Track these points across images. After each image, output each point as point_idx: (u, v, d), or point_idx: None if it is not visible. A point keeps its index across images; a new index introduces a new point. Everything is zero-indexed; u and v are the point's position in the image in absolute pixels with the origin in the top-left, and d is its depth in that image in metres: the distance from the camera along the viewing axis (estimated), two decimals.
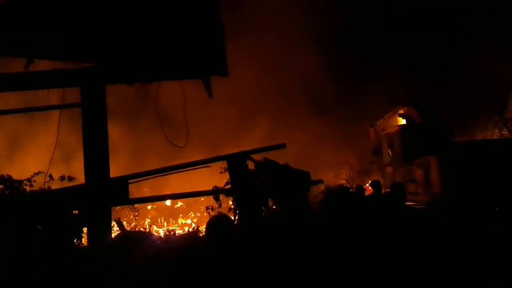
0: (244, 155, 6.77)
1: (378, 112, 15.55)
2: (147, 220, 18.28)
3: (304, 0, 23.92)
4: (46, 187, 5.74)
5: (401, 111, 12.77)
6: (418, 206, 9.07)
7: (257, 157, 7.15)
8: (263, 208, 7.27)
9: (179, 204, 19.77)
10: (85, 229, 5.62)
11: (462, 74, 20.04)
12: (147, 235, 6.26)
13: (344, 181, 20.92)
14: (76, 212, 5.72)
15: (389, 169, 13.25)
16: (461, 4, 22.05)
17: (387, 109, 14.14)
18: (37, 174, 5.76)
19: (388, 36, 23.07)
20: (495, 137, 16.62)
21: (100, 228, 5.41)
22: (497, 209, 6.61)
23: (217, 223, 4.01)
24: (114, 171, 6.01)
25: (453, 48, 21.19)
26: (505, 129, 16.83)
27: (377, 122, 14.92)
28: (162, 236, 7.24)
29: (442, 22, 22.28)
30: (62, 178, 5.82)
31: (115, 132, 19.00)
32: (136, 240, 4.44)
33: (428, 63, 21.53)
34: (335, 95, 24.17)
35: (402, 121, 12.70)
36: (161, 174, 6.98)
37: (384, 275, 4.37)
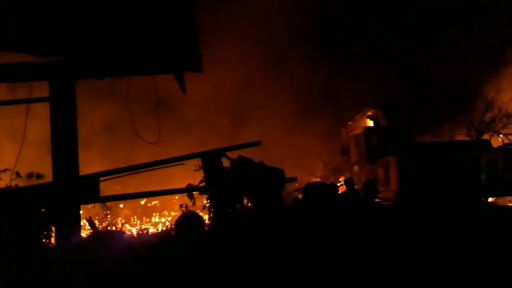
0: (219, 153, 6.71)
1: (354, 113, 15.85)
2: (120, 219, 17.91)
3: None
4: (13, 185, 5.54)
5: (369, 113, 13.26)
6: (383, 203, 9.40)
7: (233, 155, 7.11)
8: (238, 206, 7.24)
9: (154, 202, 19.47)
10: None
11: (436, 77, 20.59)
12: (118, 234, 6.12)
13: (318, 179, 21.10)
14: (44, 210, 5.54)
15: (356, 167, 13.96)
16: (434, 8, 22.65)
17: (359, 111, 14.52)
18: (3, 171, 5.56)
19: (368, 37, 23.34)
20: (463, 138, 17.28)
21: (69, 227, 5.25)
22: (449, 203, 6.88)
23: (185, 221, 3.94)
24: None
25: (429, 51, 21.69)
26: (473, 130, 17.41)
27: (349, 123, 15.36)
28: (134, 235, 7.13)
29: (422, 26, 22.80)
30: (29, 175, 5.63)
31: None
32: (107, 239, 4.32)
33: (405, 66, 21.94)
34: (311, 94, 24.29)
35: (370, 123, 13.16)
36: (133, 172, 6.84)
37: (360, 270, 4.41)
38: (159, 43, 3.98)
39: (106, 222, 15.58)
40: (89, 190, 5.80)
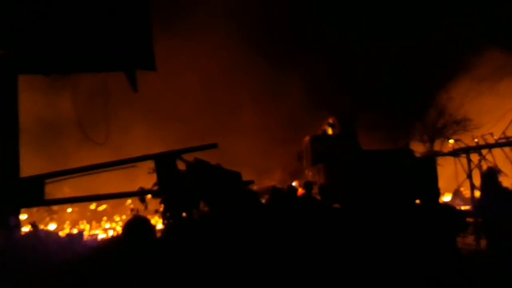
0: (173, 155, 6.55)
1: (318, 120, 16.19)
2: (67, 224, 17.14)
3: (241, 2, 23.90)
4: None
5: (330, 121, 13.74)
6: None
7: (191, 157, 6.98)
8: (194, 210, 7.10)
9: (104, 206, 18.81)
10: None
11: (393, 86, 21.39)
12: (53, 238, 5.81)
13: (276, 182, 21.25)
14: None
15: (307, 172, 14.66)
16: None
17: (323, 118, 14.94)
18: None
19: (331, 40, 23.79)
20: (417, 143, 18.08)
21: (8, 231, 4.91)
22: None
23: (131, 225, 3.80)
24: None
25: (388, 61, 22.45)
26: (425, 136, 18.24)
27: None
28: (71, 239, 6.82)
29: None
30: None
31: None
32: (41, 243, 4.09)
33: (365, 77, 22.58)
34: (272, 99, 24.44)
35: (330, 130, 13.65)
36: (82, 173, 6.54)
37: (321, 270, 4.45)
38: (109, 40, 3.79)
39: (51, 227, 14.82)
40: (32, 192, 5.47)
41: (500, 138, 15.40)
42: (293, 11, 24.27)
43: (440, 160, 17.58)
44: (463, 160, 17.24)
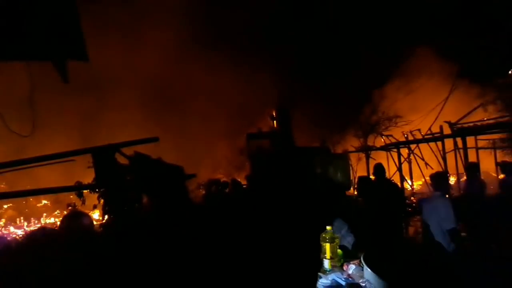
0: (112, 148, 6.31)
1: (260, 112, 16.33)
2: (2, 221, 16.04)
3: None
4: None
5: (272, 113, 14.02)
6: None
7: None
8: (136, 204, 6.92)
9: (44, 202, 17.81)
10: None
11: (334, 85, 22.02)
12: None
13: (221, 176, 21.21)
14: None
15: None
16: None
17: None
18: None
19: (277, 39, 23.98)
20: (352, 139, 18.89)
21: None
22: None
23: (67, 220, 3.64)
24: None
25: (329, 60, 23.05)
26: (360, 131, 19.00)
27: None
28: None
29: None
30: None
31: None
32: None
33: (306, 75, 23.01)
34: (218, 93, 24.27)
35: (272, 122, 13.94)
36: (15, 168, 6.12)
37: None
38: (32, 28, 3.48)
39: None
40: None
41: (427, 134, 16.33)
42: (240, 6, 24.23)
43: (373, 154, 18.45)
44: (394, 154, 18.22)
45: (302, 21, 24.65)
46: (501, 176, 6.75)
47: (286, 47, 23.90)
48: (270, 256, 4.44)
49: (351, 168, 18.39)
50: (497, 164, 7.32)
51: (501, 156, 15.22)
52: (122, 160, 6.63)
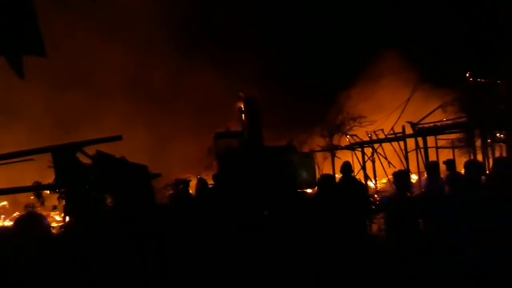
0: (73, 147, 6.02)
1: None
2: None
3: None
4: None
5: (240, 104, 13.84)
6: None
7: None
8: (99, 204, 6.64)
9: (3, 203, 16.96)
10: None
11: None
12: None
13: (190, 175, 20.91)
14: None
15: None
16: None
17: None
18: None
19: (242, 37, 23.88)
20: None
21: None
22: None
23: (22, 222, 3.42)
24: None
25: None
26: (325, 131, 19.25)
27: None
28: None
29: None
30: None
31: None
32: None
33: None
34: (186, 91, 23.90)
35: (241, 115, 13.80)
36: None
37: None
38: None
39: None
40: None
41: (389, 134, 16.76)
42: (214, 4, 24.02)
43: (339, 153, 18.74)
44: (359, 153, 18.59)
45: (272, 22, 24.74)
46: (447, 172, 7.00)
47: (255, 47, 23.92)
48: (234, 256, 4.36)
49: (316, 167, 18.61)
50: (443, 162, 7.68)
51: (458, 155, 15.79)
52: (85, 160, 6.35)
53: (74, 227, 6.25)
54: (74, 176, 6.23)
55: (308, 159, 12.21)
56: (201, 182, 7.77)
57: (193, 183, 8.64)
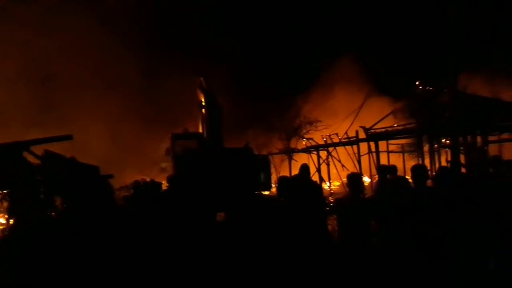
0: (20, 147, 5.66)
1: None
2: None
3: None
4: None
5: (201, 96, 13.57)
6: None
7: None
8: (47, 205, 6.28)
9: None
10: None
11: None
12: None
13: (147, 177, 20.36)
14: None
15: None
16: None
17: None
18: None
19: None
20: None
21: None
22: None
23: None
24: None
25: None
26: (283, 134, 19.49)
27: None
28: None
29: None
30: None
31: None
32: None
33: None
34: (144, 92, 23.22)
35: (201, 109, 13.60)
36: None
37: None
38: None
39: None
40: None
41: (343, 138, 17.20)
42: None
43: (295, 156, 19.00)
44: (314, 156, 18.93)
45: (233, 25, 24.67)
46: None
47: (212, 49, 23.74)
48: (188, 257, 4.26)
49: (274, 169, 18.71)
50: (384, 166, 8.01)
51: (408, 159, 16.46)
52: (33, 160, 6.00)
53: (18, 229, 5.89)
54: (19, 176, 5.87)
55: (264, 162, 12.22)
56: (153, 185, 7.55)
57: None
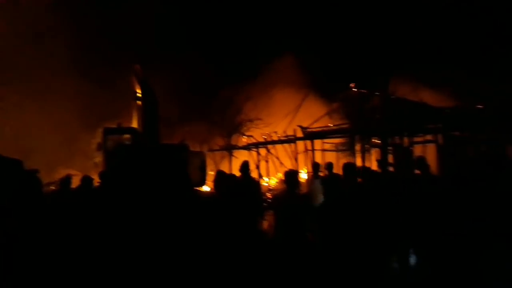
0: None
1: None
2: None
3: None
4: None
5: (137, 91, 13.03)
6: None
7: None
8: None
9: None
10: None
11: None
12: None
13: (76, 172, 19.22)
14: None
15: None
16: None
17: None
18: None
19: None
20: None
21: None
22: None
23: None
24: None
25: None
26: (224, 131, 19.40)
27: None
28: None
29: None
30: None
31: None
32: None
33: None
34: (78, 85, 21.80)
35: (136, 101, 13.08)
36: None
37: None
38: None
39: None
40: None
41: (282, 136, 17.55)
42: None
43: (236, 153, 19.02)
44: (254, 153, 19.06)
45: (173, 19, 24.01)
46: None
47: (152, 41, 22.96)
48: (119, 253, 4.05)
49: (214, 165, 18.60)
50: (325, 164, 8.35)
51: (341, 157, 17.13)
52: None
53: None
54: None
55: (200, 158, 12.03)
56: (85, 180, 7.13)
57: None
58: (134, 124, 13.34)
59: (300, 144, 16.87)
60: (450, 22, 19.03)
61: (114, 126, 13.77)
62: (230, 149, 19.21)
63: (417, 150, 13.29)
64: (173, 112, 19.62)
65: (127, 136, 12.60)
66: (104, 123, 15.57)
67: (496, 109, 12.71)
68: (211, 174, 20.70)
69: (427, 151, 12.80)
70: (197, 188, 10.73)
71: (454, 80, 16.25)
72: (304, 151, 16.68)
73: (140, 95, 12.83)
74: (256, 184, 7.28)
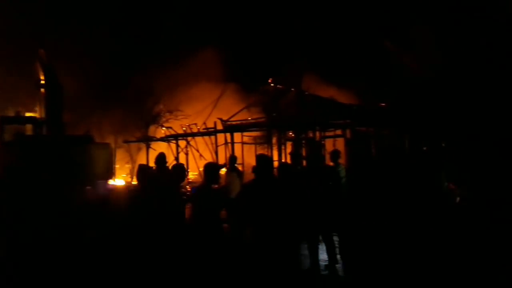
0: None
1: None
2: None
3: None
4: None
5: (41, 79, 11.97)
6: None
7: None
8: None
9: None
10: None
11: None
12: None
13: None
14: None
15: None
16: None
17: None
18: None
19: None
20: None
21: None
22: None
23: None
24: None
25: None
26: (141, 122, 18.62)
27: None
28: None
29: None
30: None
31: None
32: None
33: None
34: None
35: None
36: None
37: None
38: None
39: None
40: None
41: (202, 128, 17.37)
42: None
43: (154, 145, 18.38)
44: (173, 145, 18.62)
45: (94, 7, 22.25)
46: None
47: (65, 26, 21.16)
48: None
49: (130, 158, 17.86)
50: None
51: (259, 150, 17.52)
52: None
53: None
54: None
55: (105, 150, 11.37)
56: None
57: None
58: (38, 114, 12.22)
59: (220, 137, 16.90)
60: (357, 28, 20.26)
61: (12, 115, 12.47)
62: (147, 140, 18.54)
63: (328, 144, 14.12)
64: (84, 100, 18.36)
65: (27, 126, 11.49)
66: (2, 111, 14.07)
67: (396, 108, 14.03)
68: (127, 167, 19.85)
69: (336, 145, 13.64)
70: (106, 181, 10.19)
71: (357, 81, 17.48)
72: (224, 144, 16.74)
73: (43, 82, 11.75)
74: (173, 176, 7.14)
